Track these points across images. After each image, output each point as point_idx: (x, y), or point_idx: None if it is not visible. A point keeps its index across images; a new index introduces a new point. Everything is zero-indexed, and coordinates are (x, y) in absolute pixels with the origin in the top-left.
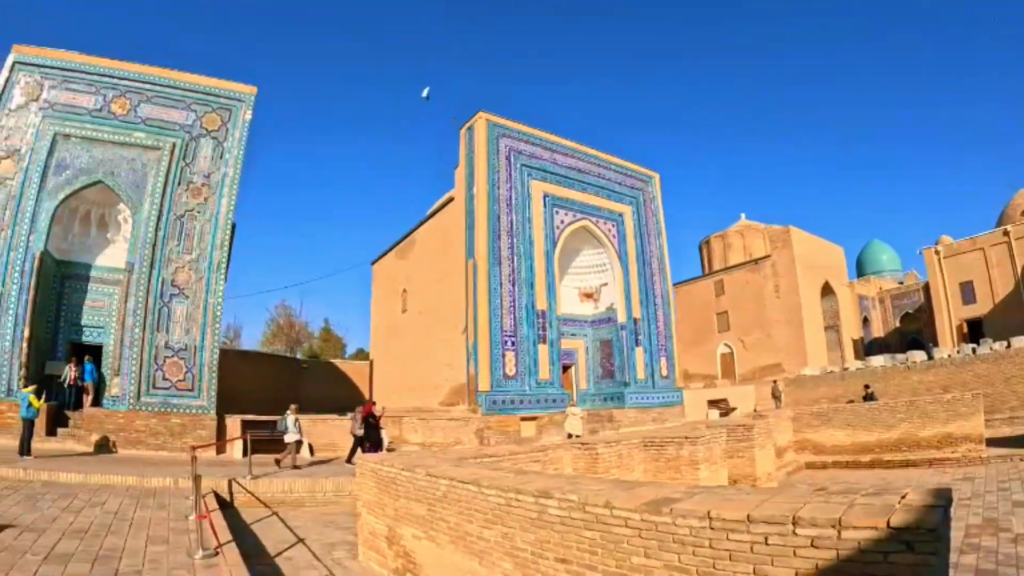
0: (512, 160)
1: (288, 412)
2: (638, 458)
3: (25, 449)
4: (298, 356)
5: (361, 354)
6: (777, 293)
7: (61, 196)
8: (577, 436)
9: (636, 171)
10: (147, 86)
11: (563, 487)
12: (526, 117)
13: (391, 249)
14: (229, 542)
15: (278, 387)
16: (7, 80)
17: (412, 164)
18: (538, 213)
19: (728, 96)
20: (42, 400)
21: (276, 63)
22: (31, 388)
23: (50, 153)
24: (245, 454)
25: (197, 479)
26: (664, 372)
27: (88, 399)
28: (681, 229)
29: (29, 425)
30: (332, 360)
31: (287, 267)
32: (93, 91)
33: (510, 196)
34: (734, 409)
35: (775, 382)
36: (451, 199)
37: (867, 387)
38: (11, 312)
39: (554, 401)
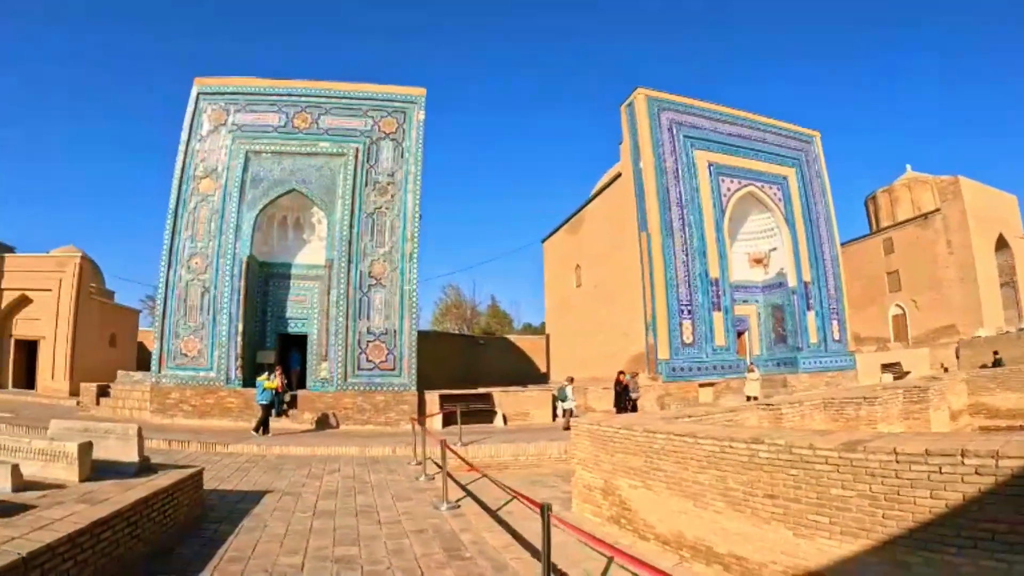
0: (675, 132)
1: (566, 383)
2: (818, 418)
3: (264, 429)
4: (468, 333)
5: (530, 329)
6: (949, 249)
7: (260, 206)
8: (755, 398)
9: (796, 132)
10: (324, 100)
11: (771, 434)
12: (681, 85)
13: (561, 226)
14: (464, 497)
15: (458, 363)
16: (195, 110)
17: (573, 143)
18: (704, 182)
19: (883, 43)
20: (275, 379)
21: (436, 57)
22: (263, 376)
23: (245, 169)
24: (445, 425)
25: (443, 443)
26: (836, 336)
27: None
28: (844, 185)
29: (266, 408)
30: (507, 336)
31: (455, 250)
32: (275, 110)
33: (676, 168)
34: (907, 373)
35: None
36: (618, 174)
37: (995, 353)
38: (226, 311)
39: (729, 367)
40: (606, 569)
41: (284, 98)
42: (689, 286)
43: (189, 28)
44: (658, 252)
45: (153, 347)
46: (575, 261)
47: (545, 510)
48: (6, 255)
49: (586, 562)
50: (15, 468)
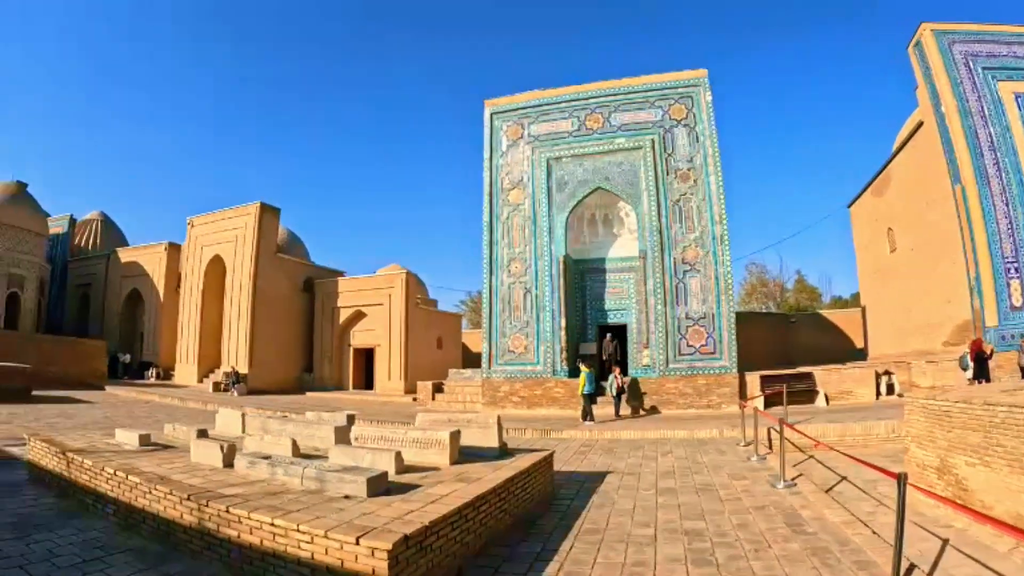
0: (971, 66)
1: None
2: None
3: (588, 416)
4: (774, 311)
5: (839, 302)
6: None
7: (568, 207)
8: None
9: None
10: (611, 98)
11: None
12: (966, 11)
13: (866, 189)
14: (798, 476)
15: (770, 343)
16: (491, 129)
17: (865, 97)
18: (1015, 119)
19: None
20: (615, 379)
21: (702, 39)
22: (588, 368)
23: (548, 176)
24: (767, 407)
25: (781, 423)
26: None
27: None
28: None
29: (589, 399)
30: (820, 311)
31: (756, 228)
32: (567, 116)
33: (981, 107)
34: None
35: None
36: (919, 124)
37: None
38: (547, 308)
39: None
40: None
41: (572, 104)
42: (1014, 240)
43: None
44: (975, 205)
45: (475, 347)
46: (885, 224)
47: (902, 479)
48: (339, 278)
49: (923, 542)
50: (398, 454)
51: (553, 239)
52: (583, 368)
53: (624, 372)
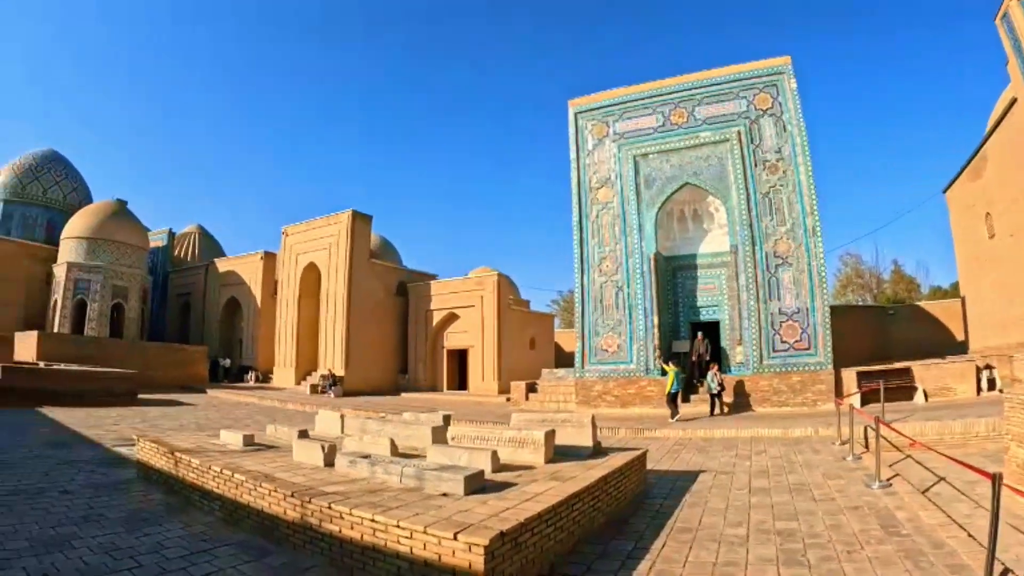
0: None
1: None
2: None
3: (672, 413)
4: (870, 303)
5: (938, 292)
6: None
7: (657, 204)
8: None
9: None
10: (694, 91)
11: None
12: None
13: (961, 172)
14: (894, 476)
15: (866, 337)
16: (576, 129)
17: (952, 76)
18: None
19: None
20: (716, 377)
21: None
22: (675, 367)
23: (636, 173)
24: (863, 404)
25: (877, 420)
26: None
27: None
28: None
29: (674, 398)
30: (917, 303)
31: (849, 217)
32: (650, 112)
33: None
34: None
35: None
36: (1012, 101)
37: None
38: (640, 307)
39: None
40: None
41: (655, 99)
42: None
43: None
44: None
45: (567, 347)
46: (983, 209)
47: (996, 480)
48: (431, 281)
49: (1021, 547)
50: (494, 453)
51: (643, 236)
52: (670, 368)
53: (720, 369)
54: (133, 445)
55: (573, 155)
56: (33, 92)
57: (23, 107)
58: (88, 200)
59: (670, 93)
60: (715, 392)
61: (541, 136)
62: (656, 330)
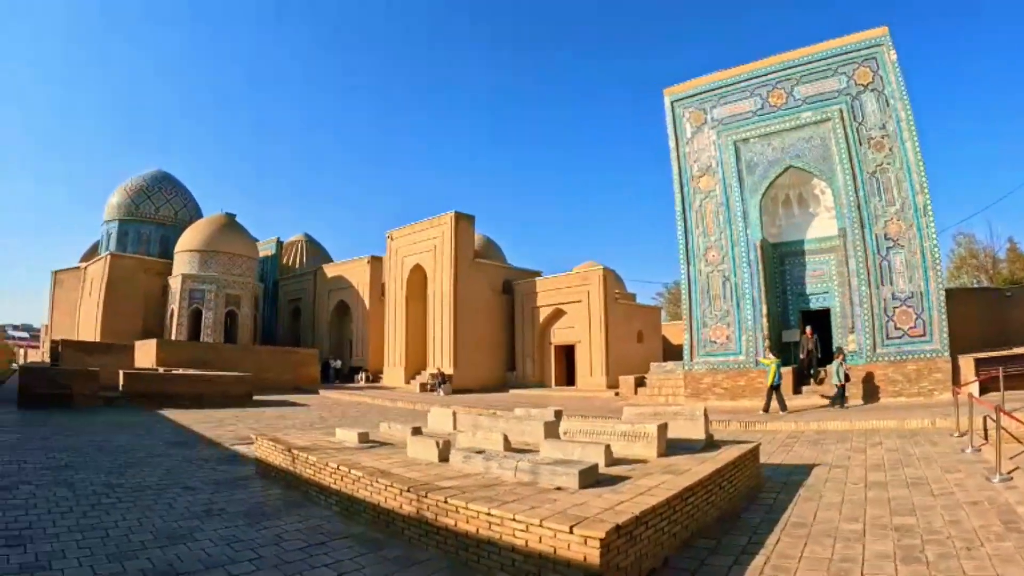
0: None
1: None
2: None
3: (782, 406)
4: (988, 286)
5: None
6: None
7: (761, 190)
8: None
9: None
10: (791, 71)
11: None
12: None
13: None
14: (1015, 469)
15: (982, 321)
16: (673, 118)
17: None
18: None
19: None
20: (841, 368)
21: None
22: (775, 359)
23: (737, 159)
24: (982, 392)
25: (998, 410)
26: None
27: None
28: None
29: (775, 389)
30: None
31: (963, 193)
32: (748, 96)
33: None
34: None
35: None
36: None
37: None
38: (747, 296)
39: None
40: None
41: (752, 82)
42: None
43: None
44: None
45: (674, 339)
46: None
47: None
48: (536, 278)
49: None
50: (607, 448)
51: (748, 224)
52: (770, 360)
53: (829, 360)
54: (250, 444)
55: (672, 144)
56: (142, 114)
57: (133, 130)
58: (198, 215)
59: (767, 74)
60: (841, 383)
61: (643, 127)
62: (765, 320)
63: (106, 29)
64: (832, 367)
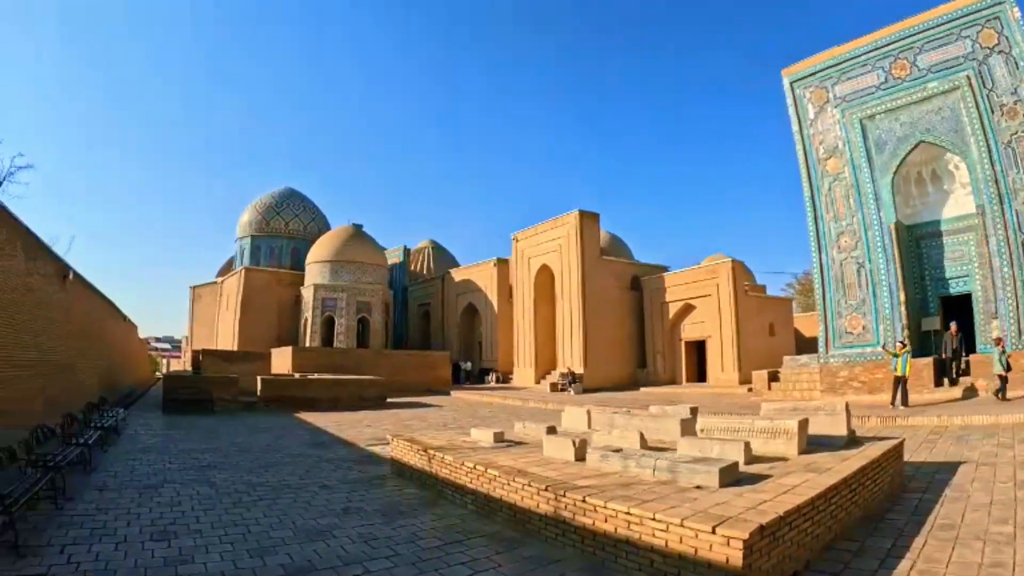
0: None
1: None
2: None
3: (903, 400)
4: None
5: None
6: None
7: (891, 169)
8: None
9: None
10: (911, 39)
11: None
12: None
13: None
14: None
15: None
16: (794, 99)
17: None
18: None
19: None
20: (903, 358)
21: None
22: (904, 349)
23: (864, 137)
24: None
25: None
26: None
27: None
28: None
29: (902, 381)
30: None
31: None
32: (869, 69)
33: None
34: None
35: None
36: None
37: None
38: (883, 283)
39: None
40: None
41: (871, 54)
42: None
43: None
44: None
45: (806, 331)
46: None
47: None
48: (663, 274)
49: None
50: (747, 445)
51: (880, 205)
52: (897, 351)
53: (972, 349)
54: (385, 444)
55: (795, 127)
56: (267, 133)
57: (258, 149)
58: (326, 227)
59: (886, 45)
60: (1003, 373)
61: (761, 109)
62: (903, 307)
63: (232, 59)
64: (994, 355)
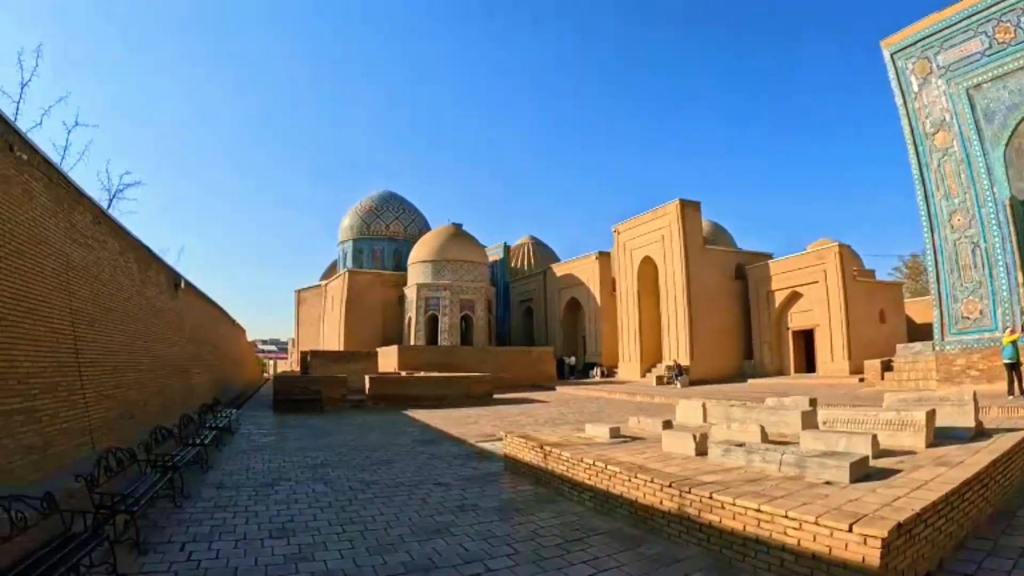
0: None
1: None
2: None
3: (1009, 389)
4: None
5: None
6: None
7: (1003, 140)
8: None
9: None
10: (1012, 1)
11: None
12: None
13: None
14: None
15: None
16: (896, 71)
17: None
18: None
19: None
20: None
21: None
22: (1015, 336)
23: (972, 108)
24: None
25: None
26: None
27: None
28: None
29: (1011, 368)
30: None
31: None
32: (972, 35)
33: None
34: None
35: None
36: None
37: None
38: (1000, 263)
39: None
40: None
41: (973, 19)
42: None
43: None
44: None
45: (917, 317)
46: None
47: None
48: (768, 261)
49: None
50: (874, 438)
51: (993, 180)
52: (1006, 337)
53: None
54: (495, 440)
55: (899, 101)
56: (364, 137)
57: (356, 153)
58: (426, 228)
59: (987, 8)
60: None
61: (866, 90)
62: (1021, 289)
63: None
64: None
